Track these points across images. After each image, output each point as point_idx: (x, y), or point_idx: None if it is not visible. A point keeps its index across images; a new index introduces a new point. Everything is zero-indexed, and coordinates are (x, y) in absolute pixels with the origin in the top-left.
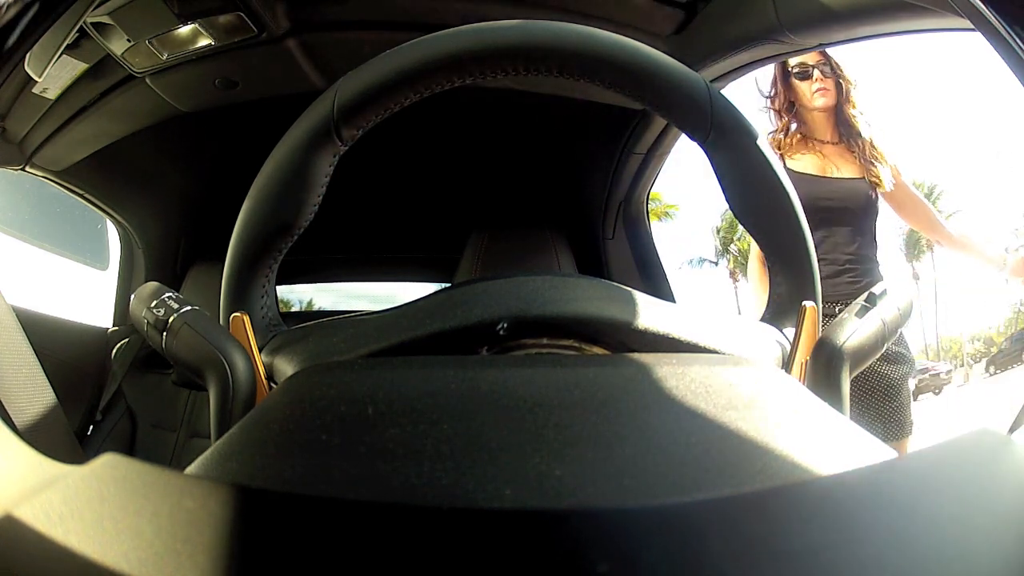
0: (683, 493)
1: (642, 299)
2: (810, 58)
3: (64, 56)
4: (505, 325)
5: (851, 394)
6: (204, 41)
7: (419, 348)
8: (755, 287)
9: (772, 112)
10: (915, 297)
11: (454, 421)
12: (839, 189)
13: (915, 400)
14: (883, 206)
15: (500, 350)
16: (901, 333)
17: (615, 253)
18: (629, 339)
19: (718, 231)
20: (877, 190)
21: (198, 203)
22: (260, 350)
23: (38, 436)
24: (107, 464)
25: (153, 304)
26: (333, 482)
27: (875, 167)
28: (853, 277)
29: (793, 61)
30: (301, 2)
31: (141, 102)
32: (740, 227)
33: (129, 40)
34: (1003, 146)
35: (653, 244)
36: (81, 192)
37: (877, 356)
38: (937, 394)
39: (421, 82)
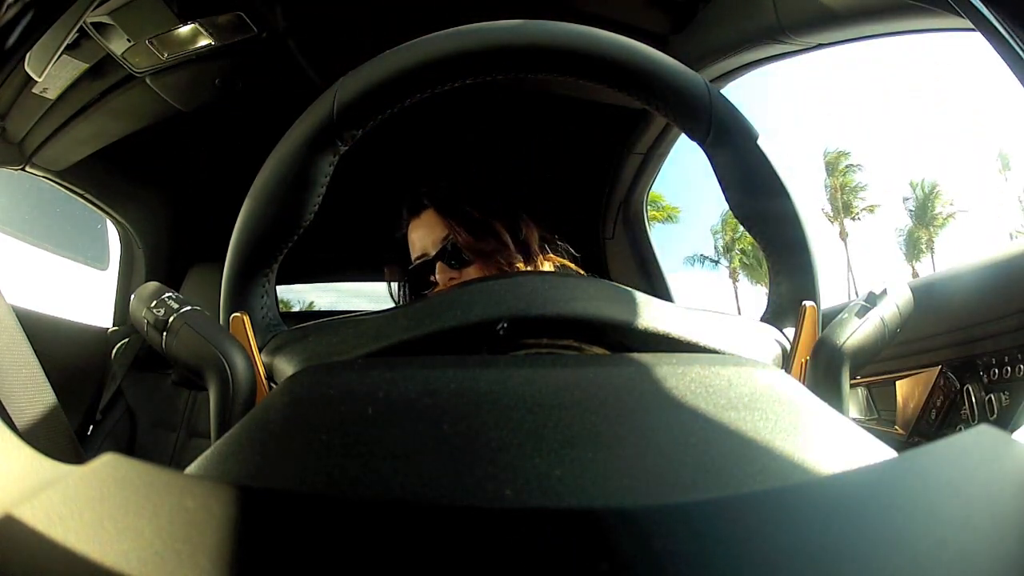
0: (682, 493)
1: (642, 299)
2: None
3: (64, 56)
4: (505, 325)
5: None
6: (204, 41)
7: (419, 348)
8: None
9: None
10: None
11: (454, 421)
12: None
13: None
14: None
15: (500, 350)
16: None
17: (615, 253)
18: (629, 339)
19: (714, 232)
20: None
21: (198, 203)
22: (260, 350)
23: (38, 436)
24: (107, 464)
25: (153, 304)
26: (333, 481)
27: None
28: None
29: None
30: (301, 2)
31: (141, 102)
32: (742, 227)
33: (129, 40)
34: (1006, 147)
35: (651, 244)
36: (81, 192)
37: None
38: None
39: (421, 82)
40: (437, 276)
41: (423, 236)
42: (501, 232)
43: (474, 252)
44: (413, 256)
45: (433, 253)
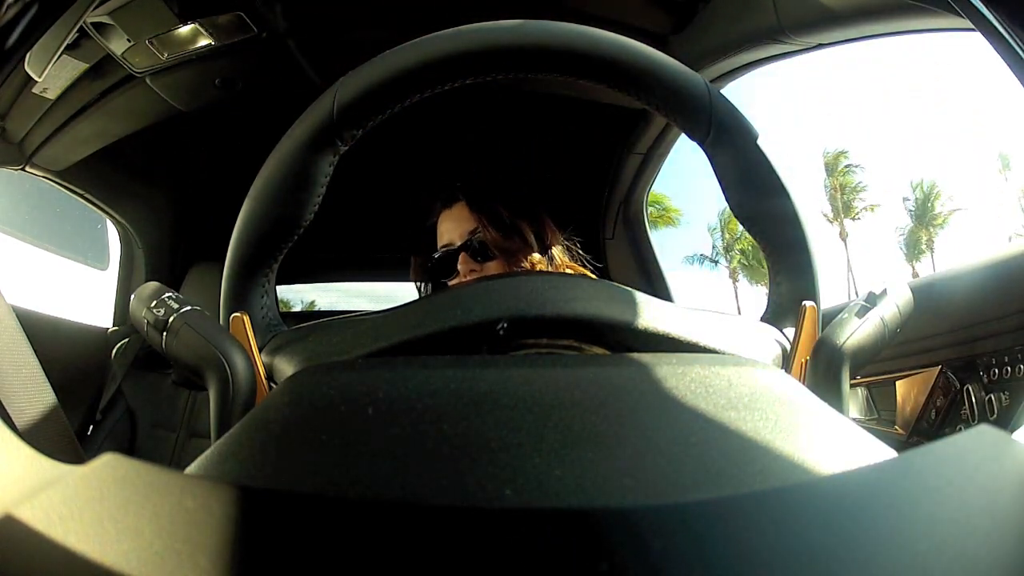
0: (683, 493)
1: (642, 299)
2: None
3: (64, 56)
4: (505, 325)
5: None
6: (204, 41)
7: (419, 348)
8: None
9: None
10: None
11: (454, 421)
12: None
13: None
14: None
15: (500, 350)
16: None
17: (615, 253)
18: (629, 339)
19: (712, 230)
20: None
21: (198, 203)
22: (260, 350)
23: (38, 436)
24: (107, 464)
25: (153, 304)
26: (333, 481)
27: None
28: None
29: None
30: (301, 2)
31: (141, 102)
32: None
33: (129, 40)
34: (1006, 147)
35: (650, 244)
36: (81, 192)
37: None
38: None
39: (421, 82)
40: (460, 267)
41: (451, 228)
42: (527, 233)
43: (499, 249)
44: (440, 245)
45: (459, 244)
